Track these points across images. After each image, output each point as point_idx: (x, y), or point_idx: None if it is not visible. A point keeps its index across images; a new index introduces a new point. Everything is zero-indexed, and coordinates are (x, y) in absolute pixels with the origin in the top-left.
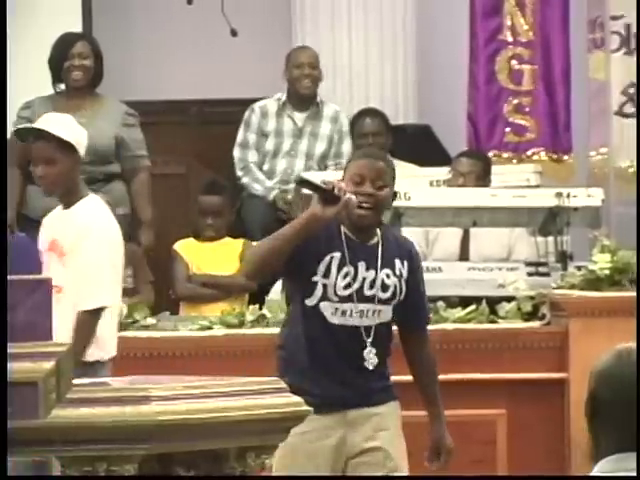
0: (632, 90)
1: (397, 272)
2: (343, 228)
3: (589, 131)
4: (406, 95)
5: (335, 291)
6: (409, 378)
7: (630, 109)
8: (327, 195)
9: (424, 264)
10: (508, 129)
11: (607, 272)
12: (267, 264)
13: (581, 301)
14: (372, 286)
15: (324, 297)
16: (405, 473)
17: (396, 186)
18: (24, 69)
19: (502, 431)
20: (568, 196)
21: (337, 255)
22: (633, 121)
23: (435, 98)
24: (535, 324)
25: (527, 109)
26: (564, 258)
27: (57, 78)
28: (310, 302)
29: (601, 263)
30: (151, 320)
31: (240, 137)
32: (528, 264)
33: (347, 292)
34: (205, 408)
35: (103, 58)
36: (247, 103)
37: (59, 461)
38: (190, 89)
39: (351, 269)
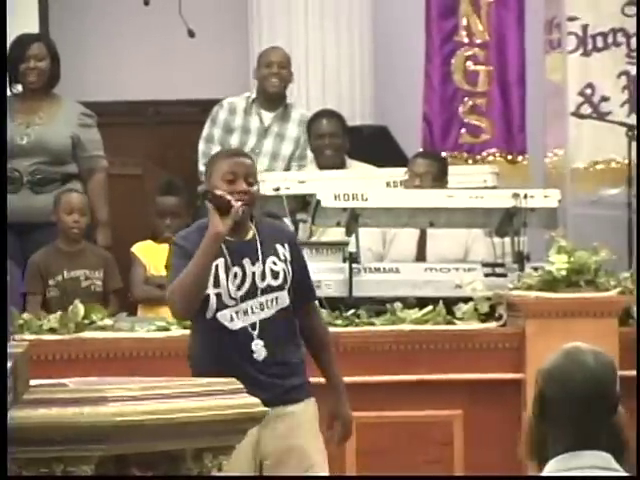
0: (589, 91)
1: (282, 257)
2: None
3: (545, 132)
4: (363, 96)
5: (230, 295)
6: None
7: (587, 110)
8: (223, 206)
9: (381, 265)
10: (463, 130)
11: (564, 273)
12: (196, 299)
13: (538, 302)
14: (263, 278)
15: (220, 306)
16: (324, 470)
17: (351, 187)
18: None
19: (459, 432)
20: (525, 197)
21: (220, 261)
22: (590, 122)
23: (391, 99)
24: (492, 325)
25: (482, 110)
26: (521, 259)
27: (14, 79)
28: (207, 315)
29: (558, 264)
30: (108, 321)
31: (205, 131)
32: (485, 265)
33: (242, 292)
34: (162, 409)
35: (60, 59)
36: (204, 104)
37: (15, 462)
38: (147, 90)
39: (238, 269)
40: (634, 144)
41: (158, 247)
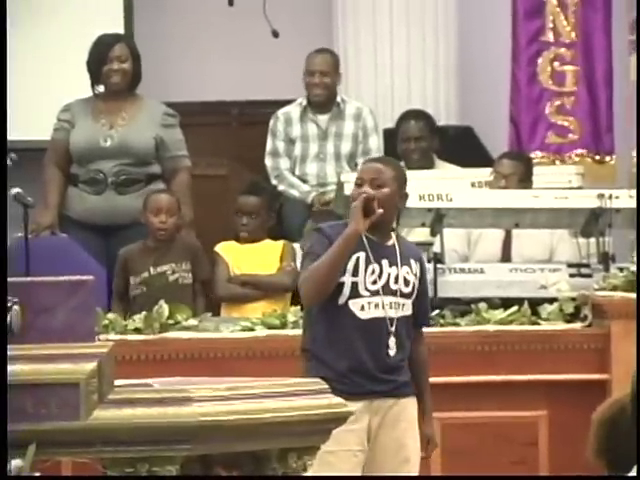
0: None
1: (413, 270)
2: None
3: (631, 132)
4: (448, 96)
5: (365, 287)
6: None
7: None
8: (367, 208)
9: (466, 265)
10: (550, 130)
11: None
12: (325, 289)
13: (623, 302)
14: (396, 281)
15: (354, 294)
16: (415, 467)
17: (436, 187)
18: (65, 69)
19: (543, 433)
20: (610, 197)
21: (362, 255)
22: None
23: (477, 99)
24: (577, 325)
25: (569, 110)
26: (606, 259)
27: (96, 80)
28: (339, 301)
29: None
30: (193, 321)
31: (269, 146)
32: (570, 265)
33: (376, 287)
34: (247, 409)
35: (141, 59)
36: (288, 104)
37: (100, 462)
38: (231, 90)
39: (376, 266)
40: None
41: (242, 247)
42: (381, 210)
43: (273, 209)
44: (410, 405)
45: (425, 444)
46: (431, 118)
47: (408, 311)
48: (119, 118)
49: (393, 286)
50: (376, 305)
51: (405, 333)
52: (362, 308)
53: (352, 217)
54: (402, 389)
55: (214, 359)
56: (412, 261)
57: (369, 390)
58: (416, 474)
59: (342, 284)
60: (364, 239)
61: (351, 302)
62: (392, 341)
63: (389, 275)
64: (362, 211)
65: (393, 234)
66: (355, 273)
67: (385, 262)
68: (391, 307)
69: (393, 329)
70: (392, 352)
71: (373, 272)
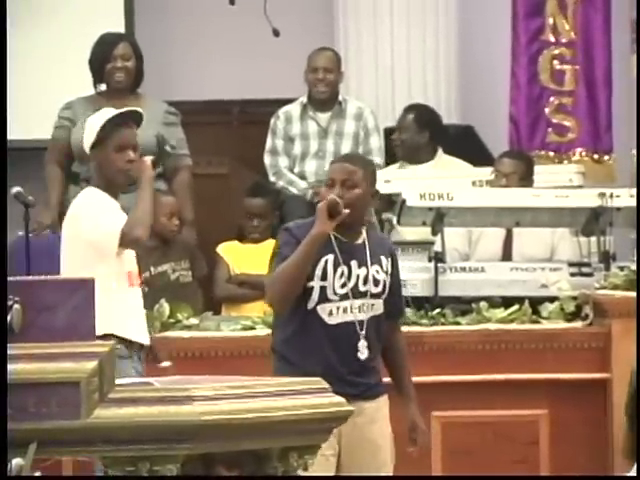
0: None
1: (384, 268)
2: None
3: (632, 131)
4: (448, 96)
5: (334, 290)
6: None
7: None
8: (332, 210)
9: (467, 264)
10: (550, 129)
11: None
12: (292, 292)
13: (624, 301)
14: (365, 282)
15: (322, 299)
16: (391, 465)
17: (437, 186)
18: (65, 68)
19: (544, 431)
20: (611, 196)
21: (330, 257)
22: None
23: (477, 99)
24: (578, 324)
25: (569, 109)
26: (607, 258)
27: (98, 79)
28: (308, 306)
29: None
30: (194, 320)
31: (269, 144)
32: (571, 264)
33: (344, 290)
34: (248, 408)
35: (143, 58)
36: (289, 103)
37: (101, 461)
38: (232, 89)
39: (345, 268)
40: None
41: (244, 247)
42: (347, 211)
43: (277, 208)
44: (383, 404)
45: (414, 434)
46: (425, 113)
47: (379, 310)
48: None
49: (362, 288)
50: (345, 309)
51: (375, 334)
52: (330, 313)
53: (317, 219)
54: (374, 389)
55: (215, 358)
56: (382, 258)
57: (343, 393)
58: (391, 473)
59: (311, 289)
60: (333, 240)
61: (319, 307)
62: (362, 344)
63: (358, 277)
64: (327, 212)
65: (363, 230)
66: (324, 277)
67: (354, 263)
68: (360, 310)
69: (363, 332)
70: (362, 355)
71: (342, 275)
